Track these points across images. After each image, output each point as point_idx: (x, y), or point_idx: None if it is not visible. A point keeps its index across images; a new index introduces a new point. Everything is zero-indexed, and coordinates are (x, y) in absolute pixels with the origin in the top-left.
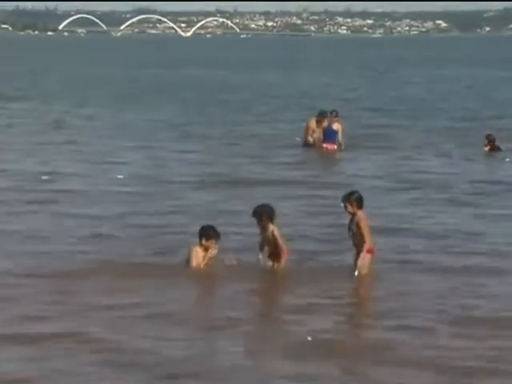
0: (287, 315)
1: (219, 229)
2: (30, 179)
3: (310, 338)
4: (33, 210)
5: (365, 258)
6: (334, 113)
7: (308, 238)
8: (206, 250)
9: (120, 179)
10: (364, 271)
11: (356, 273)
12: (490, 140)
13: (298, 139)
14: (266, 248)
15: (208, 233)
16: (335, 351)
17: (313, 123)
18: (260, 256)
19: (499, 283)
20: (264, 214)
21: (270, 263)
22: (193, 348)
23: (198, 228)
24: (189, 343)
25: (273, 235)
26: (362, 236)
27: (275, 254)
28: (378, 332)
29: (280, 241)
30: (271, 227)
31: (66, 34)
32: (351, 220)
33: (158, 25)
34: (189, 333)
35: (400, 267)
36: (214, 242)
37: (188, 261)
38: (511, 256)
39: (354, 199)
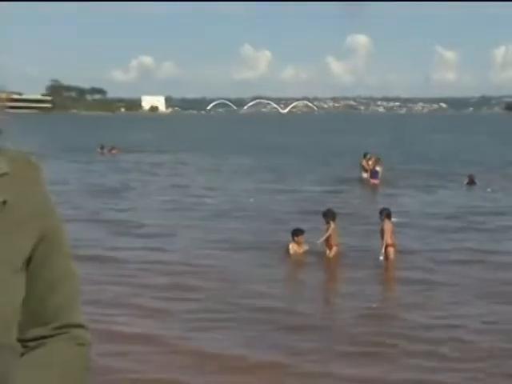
0: (345, 287)
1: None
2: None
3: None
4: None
5: (389, 250)
6: (377, 159)
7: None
8: (298, 244)
9: (254, 201)
10: (391, 257)
11: (381, 257)
12: (470, 178)
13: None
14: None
15: (297, 232)
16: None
17: (363, 162)
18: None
19: None
20: (329, 216)
21: (327, 250)
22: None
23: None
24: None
25: (332, 231)
26: (383, 235)
27: (331, 245)
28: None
29: (334, 235)
30: (332, 225)
31: (212, 112)
32: (381, 225)
33: (267, 105)
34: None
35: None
36: (301, 237)
37: (288, 252)
38: None
39: (385, 213)
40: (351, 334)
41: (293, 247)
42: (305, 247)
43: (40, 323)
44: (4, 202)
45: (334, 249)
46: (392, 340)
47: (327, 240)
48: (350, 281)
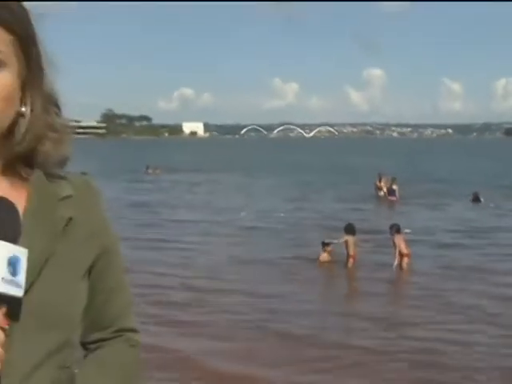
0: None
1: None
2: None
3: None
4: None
5: (403, 260)
6: (393, 178)
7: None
8: (328, 252)
9: (282, 216)
10: (405, 267)
11: (394, 266)
12: (475, 195)
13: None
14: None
15: (326, 242)
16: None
17: (378, 183)
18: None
19: None
20: (347, 229)
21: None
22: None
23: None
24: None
25: (349, 243)
26: (395, 247)
27: (349, 256)
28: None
29: (351, 248)
30: (346, 237)
31: (245, 136)
32: (392, 239)
33: (293, 131)
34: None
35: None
36: (330, 247)
37: (320, 259)
38: None
39: (395, 228)
40: (362, 344)
41: (322, 256)
42: (331, 256)
43: (99, 328)
44: (70, 219)
45: (351, 260)
46: (399, 351)
47: (346, 251)
48: (365, 289)
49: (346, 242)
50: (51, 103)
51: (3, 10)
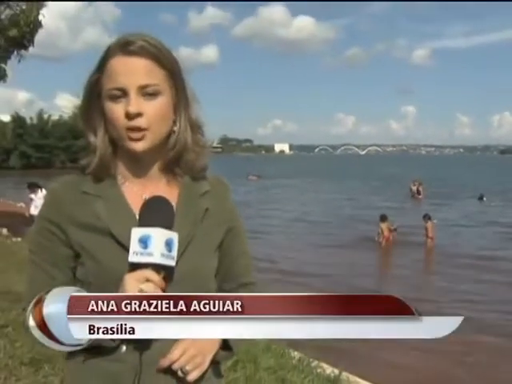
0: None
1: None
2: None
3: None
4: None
5: (429, 241)
6: (420, 182)
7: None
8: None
9: (343, 211)
10: (431, 245)
11: (428, 243)
12: (480, 195)
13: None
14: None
15: (382, 228)
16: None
17: (412, 186)
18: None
19: None
20: (381, 218)
21: (383, 243)
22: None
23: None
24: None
25: (384, 228)
26: (426, 231)
27: (384, 237)
28: None
29: (386, 231)
30: (381, 225)
31: (317, 154)
32: (425, 225)
33: (351, 149)
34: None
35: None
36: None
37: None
38: None
39: (427, 217)
40: None
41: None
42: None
43: (229, 281)
44: (207, 209)
45: (384, 240)
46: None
47: (382, 234)
48: (399, 261)
49: (381, 228)
50: (197, 126)
51: (157, 52)
